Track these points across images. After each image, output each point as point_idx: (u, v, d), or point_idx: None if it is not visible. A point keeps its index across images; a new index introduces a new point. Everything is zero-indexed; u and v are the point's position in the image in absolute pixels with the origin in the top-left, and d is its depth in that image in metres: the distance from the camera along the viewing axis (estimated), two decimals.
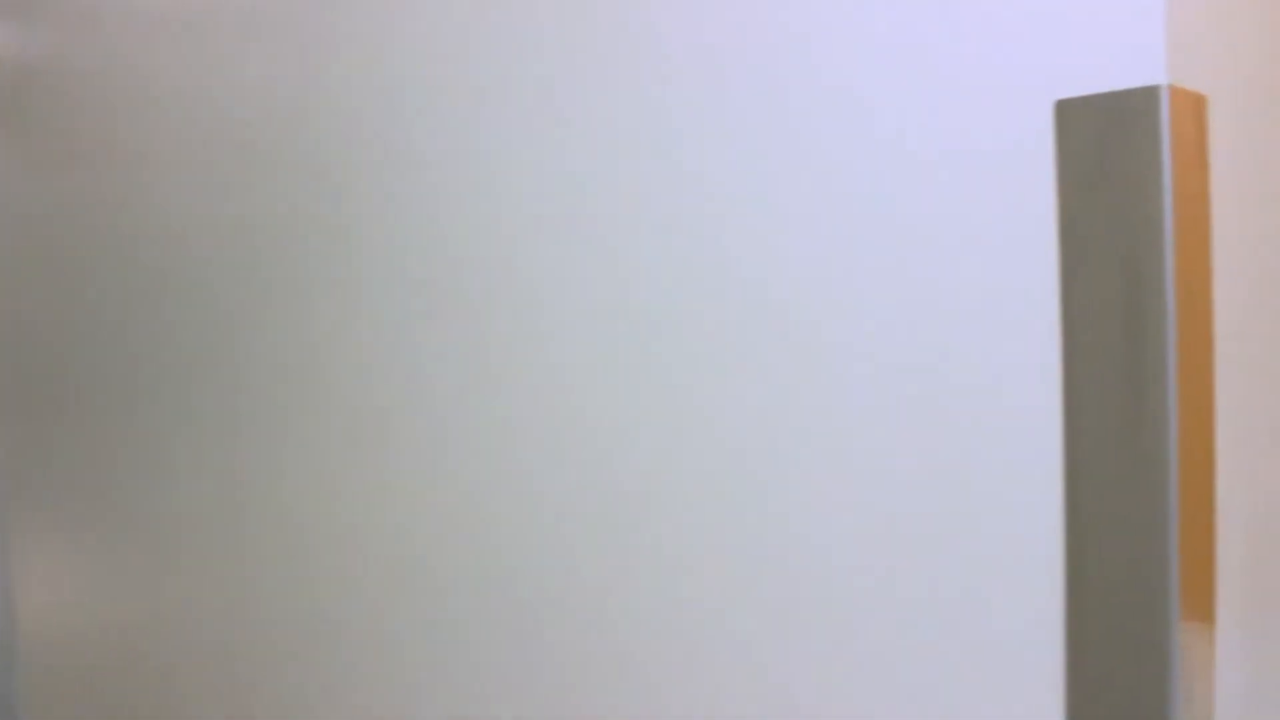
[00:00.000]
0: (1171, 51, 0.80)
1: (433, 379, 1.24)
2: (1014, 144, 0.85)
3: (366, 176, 1.29)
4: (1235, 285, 0.90)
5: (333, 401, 1.34)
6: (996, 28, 0.86)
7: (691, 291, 1.04)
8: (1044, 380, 0.85)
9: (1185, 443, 0.80)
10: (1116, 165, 0.80)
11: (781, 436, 0.99)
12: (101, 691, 1.71)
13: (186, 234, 1.52)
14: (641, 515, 1.08)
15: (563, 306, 1.13)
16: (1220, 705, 0.87)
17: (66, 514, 1.75)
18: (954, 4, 0.88)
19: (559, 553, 1.15)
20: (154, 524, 1.59)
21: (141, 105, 1.57)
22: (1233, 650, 0.90)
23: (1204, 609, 0.83)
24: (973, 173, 0.87)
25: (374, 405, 1.30)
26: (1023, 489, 0.86)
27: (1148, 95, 0.78)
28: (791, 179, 0.97)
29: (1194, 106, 0.83)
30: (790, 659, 1.00)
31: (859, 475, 0.95)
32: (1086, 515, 0.82)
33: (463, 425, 1.22)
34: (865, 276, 0.93)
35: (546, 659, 1.17)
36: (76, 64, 1.67)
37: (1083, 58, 0.83)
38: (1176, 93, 0.79)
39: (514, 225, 1.17)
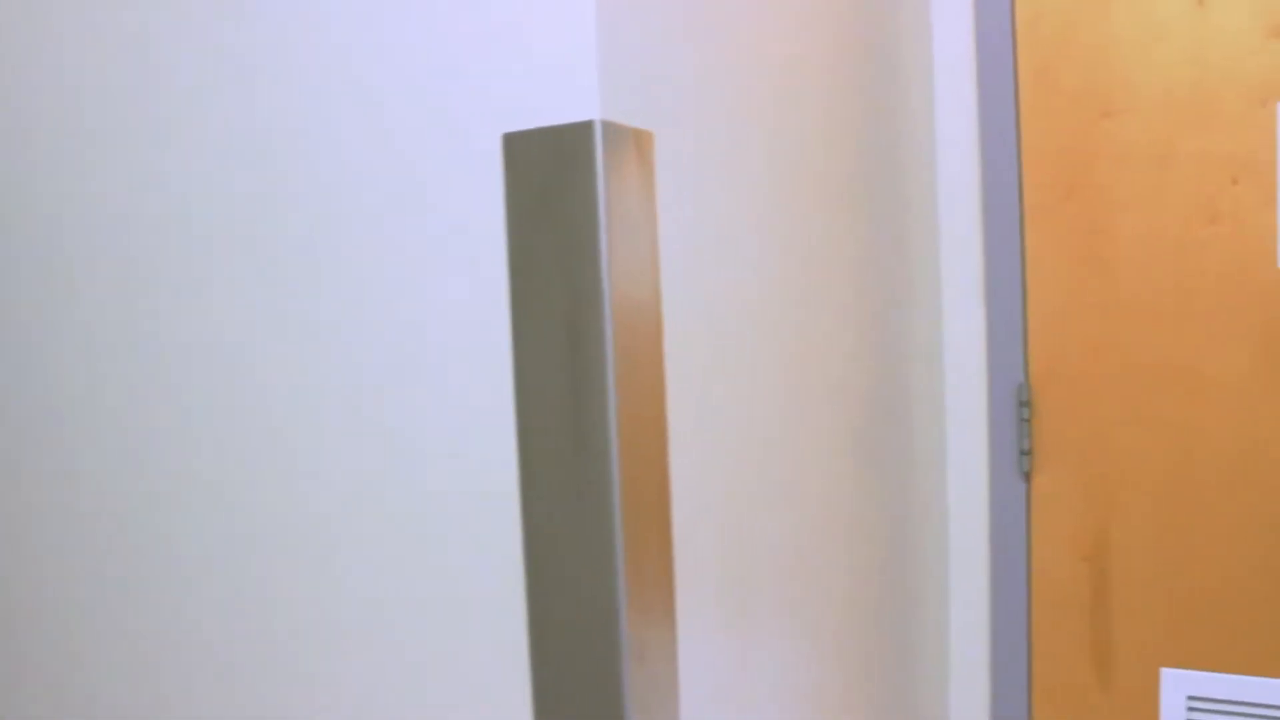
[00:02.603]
0: (613, 90, 0.85)
1: None
2: (469, 175, 0.88)
3: None
4: (689, 305, 0.97)
5: None
6: (453, 66, 0.89)
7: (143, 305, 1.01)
8: (498, 402, 0.88)
9: (630, 455, 0.85)
10: (557, 196, 0.84)
11: (247, 451, 0.98)
12: None
13: None
14: (125, 517, 1.04)
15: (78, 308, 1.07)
16: (689, 701, 0.93)
17: None
18: (405, 42, 0.90)
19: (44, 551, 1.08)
20: None
21: None
22: (703, 648, 0.97)
23: (660, 610, 0.89)
24: (431, 204, 0.90)
25: None
26: (485, 503, 0.89)
27: (583, 130, 0.83)
28: (256, 220, 0.97)
29: (637, 141, 0.88)
30: (258, 656, 0.99)
31: (329, 483, 0.95)
32: (540, 529, 0.86)
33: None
34: (329, 307, 0.94)
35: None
36: None
37: (535, 94, 0.86)
38: (613, 128, 0.85)
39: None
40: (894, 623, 1.56)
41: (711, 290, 1.02)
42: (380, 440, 0.93)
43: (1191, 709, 1.64)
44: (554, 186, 0.84)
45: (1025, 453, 1.68)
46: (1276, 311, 1.58)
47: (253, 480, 0.99)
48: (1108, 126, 1.65)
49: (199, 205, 0.99)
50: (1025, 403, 1.68)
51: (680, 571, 0.94)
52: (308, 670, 0.98)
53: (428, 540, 0.92)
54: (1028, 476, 1.70)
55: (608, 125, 0.84)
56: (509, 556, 0.88)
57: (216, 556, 1.01)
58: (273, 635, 0.99)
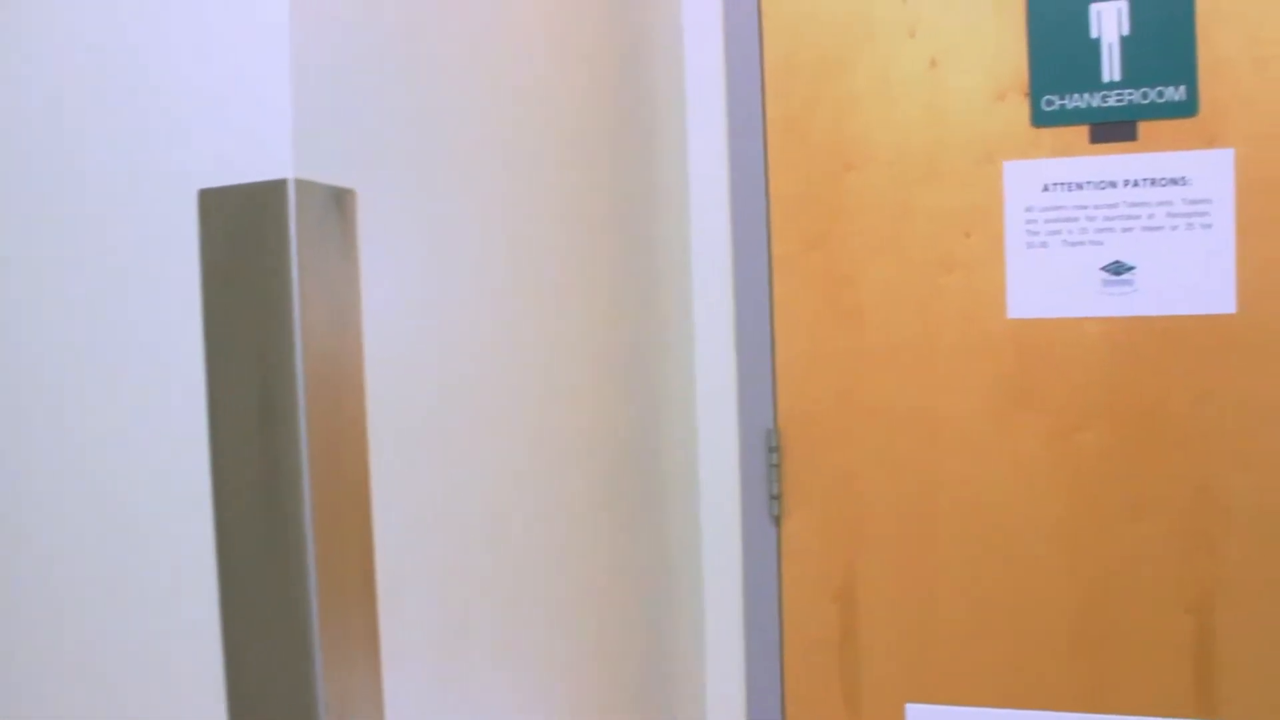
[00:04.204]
0: (311, 148, 0.84)
1: None
2: (165, 234, 0.86)
3: None
4: (408, 358, 0.96)
5: None
6: (148, 119, 0.86)
7: None
8: (194, 459, 0.85)
9: (326, 515, 0.83)
10: (251, 255, 0.82)
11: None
12: None
13: None
14: None
15: None
16: None
17: None
18: (106, 95, 0.87)
19: None
20: None
21: None
22: (414, 705, 0.95)
23: (363, 666, 0.87)
24: (129, 262, 0.86)
25: None
26: (181, 562, 0.86)
27: (275, 189, 0.81)
28: None
29: (338, 199, 0.87)
30: None
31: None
32: (235, 590, 0.83)
33: None
34: (32, 361, 0.90)
35: None
36: None
37: (235, 151, 0.84)
38: (309, 186, 0.83)
39: None
40: (647, 667, 1.58)
41: (434, 341, 1.01)
42: (84, 502, 0.89)
43: None
44: (247, 246, 0.82)
45: (775, 497, 1.72)
46: (1005, 357, 1.66)
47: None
48: (851, 179, 1.71)
49: None
50: (774, 448, 1.72)
51: (388, 625, 0.92)
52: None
53: (124, 593, 0.88)
54: (778, 520, 1.74)
55: (302, 183, 0.82)
56: (206, 621, 0.85)
57: None
58: None
